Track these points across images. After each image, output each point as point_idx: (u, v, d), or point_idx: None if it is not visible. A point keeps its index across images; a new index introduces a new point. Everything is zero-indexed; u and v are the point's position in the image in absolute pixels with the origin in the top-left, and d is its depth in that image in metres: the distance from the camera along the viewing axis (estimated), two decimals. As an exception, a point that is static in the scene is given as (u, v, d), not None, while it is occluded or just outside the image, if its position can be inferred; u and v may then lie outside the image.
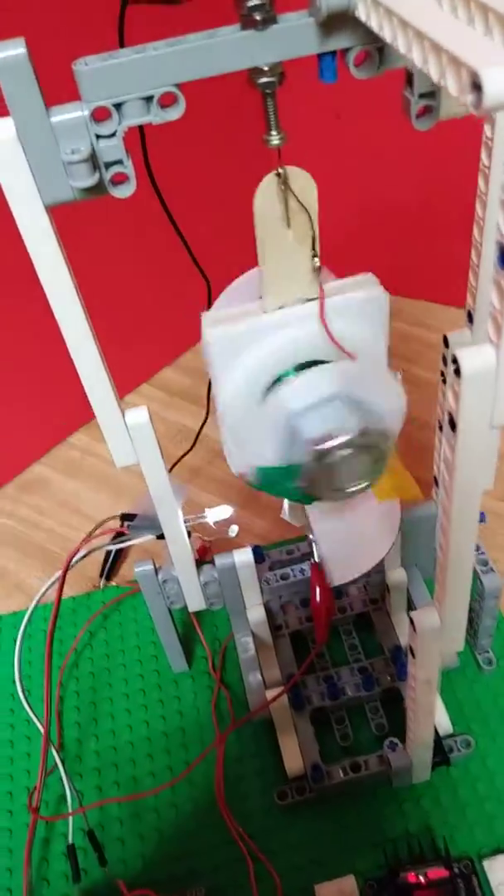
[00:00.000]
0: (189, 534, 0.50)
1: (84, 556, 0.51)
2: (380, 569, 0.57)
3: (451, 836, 0.50)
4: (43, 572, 0.71)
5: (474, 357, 0.28)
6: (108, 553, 0.68)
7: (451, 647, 0.39)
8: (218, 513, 0.49)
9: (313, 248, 0.37)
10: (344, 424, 0.37)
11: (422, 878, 0.46)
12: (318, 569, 0.52)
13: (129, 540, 0.50)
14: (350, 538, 0.47)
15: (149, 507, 0.46)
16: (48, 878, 0.52)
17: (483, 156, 0.39)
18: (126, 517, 0.48)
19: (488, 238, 0.41)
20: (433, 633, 0.38)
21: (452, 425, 0.30)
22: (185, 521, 0.48)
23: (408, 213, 0.89)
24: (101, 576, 0.68)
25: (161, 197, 0.41)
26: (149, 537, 0.50)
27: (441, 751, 0.51)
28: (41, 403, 0.80)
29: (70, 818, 0.51)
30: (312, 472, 0.38)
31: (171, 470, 0.47)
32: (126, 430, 0.41)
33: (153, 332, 0.88)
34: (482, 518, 0.57)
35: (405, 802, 0.52)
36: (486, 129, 0.37)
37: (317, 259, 0.37)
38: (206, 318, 0.39)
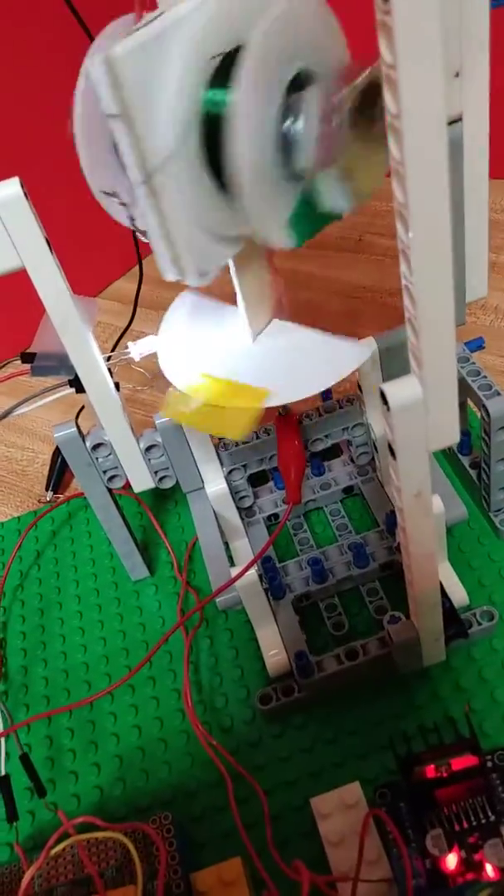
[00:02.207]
0: (117, 386, 0.40)
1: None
2: (360, 421, 0.47)
3: (478, 725, 0.39)
4: (-14, 498, 0.61)
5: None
6: (53, 463, 0.59)
7: (442, 434, 0.29)
8: (144, 345, 0.39)
9: None
10: None
11: (443, 771, 0.35)
12: (283, 418, 0.42)
13: (37, 398, 0.40)
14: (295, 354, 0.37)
15: (51, 339, 0.37)
16: (-14, 827, 0.42)
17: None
18: (26, 357, 0.38)
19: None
20: (414, 408, 0.28)
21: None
22: (104, 359, 0.38)
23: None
24: (46, 488, 0.58)
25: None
26: (63, 389, 0.40)
27: (456, 620, 0.40)
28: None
29: (2, 745, 0.41)
30: None
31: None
32: (-6, 211, 0.32)
33: (104, 242, 0.79)
34: (480, 344, 0.47)
35: (418, 692, 0.41)
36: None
37: None
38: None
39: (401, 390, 0.27)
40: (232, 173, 0.29)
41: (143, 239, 0.31)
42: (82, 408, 0.60)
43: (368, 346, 0.40)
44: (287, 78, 0.29)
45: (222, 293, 0.53)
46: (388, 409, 0.28)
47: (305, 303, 0.70)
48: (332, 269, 0.74)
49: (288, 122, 0.29)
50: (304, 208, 0.32)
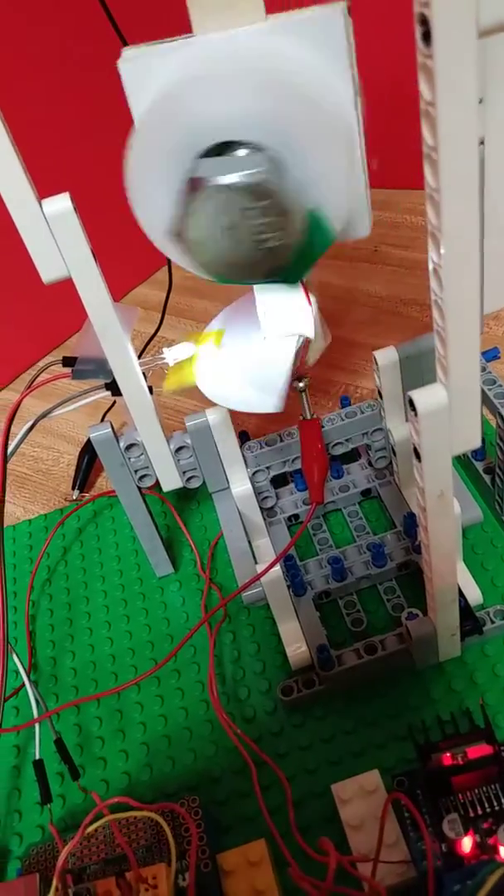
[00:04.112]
0: (151, 390, 0.43)
1: (31, 428, 0.43)
2: (380, 426, 0.49)
3: (492, 717, 0.41)
4: (17, 495, 0.63)
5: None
6: (80, 462, 0.61)
7: (465, 439, 0.31)
8: (179, 351, 0.41)
9: None
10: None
11: (459, 759, 0.37)
12: (307, 422, 0.44)
13: (77, 399, 0.42)
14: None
15: (91, 344, 0.39)
16: (20, 809, 0.44)
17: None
18: (68, 361, 0.40)
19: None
20: (440, 414, 0.30)
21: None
22: (140, 365, 0.40)
23: (387, 101, 0.82)
24: (73, 487, 0.60)
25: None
26: (101, 392, 0.42)
27: (471, 616, 0.42)
28: (3, 330, 0.74)
29: (37, 731, 0.42)
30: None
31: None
32: (46, 225, 0.34)
33: (126, 250, 0.82)
34: (496, 354, 0.49)
35: (434, 686, 0.43)
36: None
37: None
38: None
39: (428, 397, 0.29)
40: None
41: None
42: (108, 409, 0.62)
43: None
44: None
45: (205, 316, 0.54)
46: (416, 414, 0.30)
47: (322, 311, 0.72)
48: (348, 278, 0.76)
49: None
50: None
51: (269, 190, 0.32)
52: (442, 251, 0.26)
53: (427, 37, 0.21)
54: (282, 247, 0.33)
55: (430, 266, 0.27)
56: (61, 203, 0.34)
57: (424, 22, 0.21)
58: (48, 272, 0.36)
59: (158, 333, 0.60)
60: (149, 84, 0.31)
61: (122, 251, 0.82)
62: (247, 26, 0.30)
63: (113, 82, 0.32)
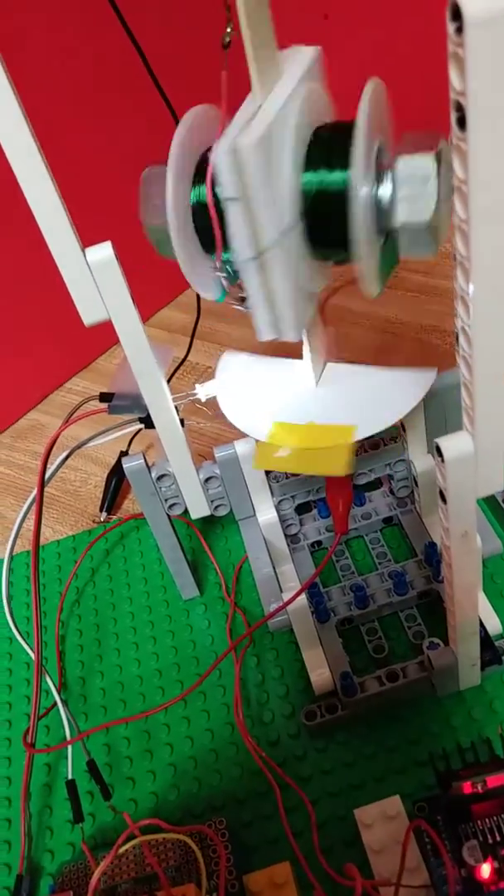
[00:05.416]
0: (182, 423, 0.44)
1: (67, 457, 0.45)
2: (402, 457, 0.50)
3: (510, 746, 0.42)
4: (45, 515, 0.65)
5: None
6: (108, 485, 0.63)
7: (489, 482, 0.32)
8: (210, 387, 0.43)
9: None
10: None
11: (479, 787, 0.38)
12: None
13: (111, 431, 0.44)
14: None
15: (127, 381, 0.41)
16: (52, 826, 0.45)
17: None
18: (105, 397, 0.42)
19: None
20: (466, 461, 0.31)
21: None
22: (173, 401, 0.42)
23: (401, 119, 0.84)
24: (101, 509, 0.62)
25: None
26: (134, 425, 0.44)
27: (491, 646, 0.43)
28: (34, 351, 0.75)
29: (70, 752, 0.44)
30: None
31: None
32: (89, 271, 0.36)
33: (151, 273, 0.83)
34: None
35: (454, 714, 0.44)
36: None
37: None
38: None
39: (455, 445, 0.31)
40: (351, 238, 0.31)
41: (234, 306, 0.35)
42: (134, 435, 0.64)
43: (430, 373, 0.42)
44: (374, 150, 0.32)
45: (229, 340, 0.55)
46: (443, 460, 0.31)
47: (343, 336, 0.73)
48: (368, 303, 0.77)
49: (381, 188, 0.32)
50: (387, 257, 0.35)
51: None
52: (471, 316, 0.27)
53: (462, 122, 0.23)
54: None
55: (459, 324, 0.29)
56: (104, 252, 0.35)
57: (460, 108, 0.23)
58: (89, 315, 0.37)
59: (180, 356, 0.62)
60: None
61: (148, 274, 0.84)
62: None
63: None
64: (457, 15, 0.21)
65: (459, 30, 0.21)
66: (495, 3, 0.21)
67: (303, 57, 0.34)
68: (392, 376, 0.42)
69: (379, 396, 0.41)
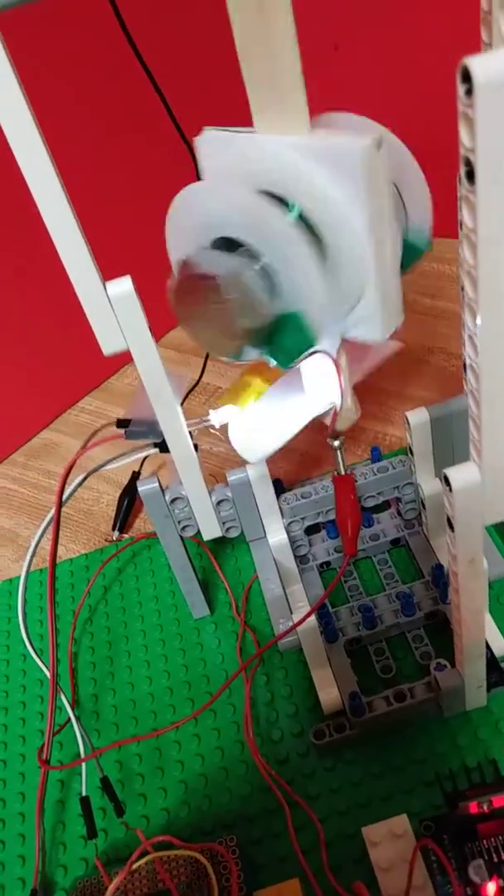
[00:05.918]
0: (196, 448, 0.45)
1: (84, 480, 0.46)
2: (410, 480, 0.51)
3: (515, 767, 0.43)
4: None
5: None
6: (120, 504, 0.64)
7: (496, 511, 0.33)
8: (223, 414, 0.44)
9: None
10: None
11: (485, 807, 0.39)
12: (341, 478, 0.47)
13: (127, 455, 0.45)
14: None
15: (144, 408, 0.42)
16: (65, 842, 0.46)
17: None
18: (121, 423, 0.43)
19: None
20: (473, 491, 0.32)
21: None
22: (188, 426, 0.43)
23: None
24: (113, 528, 0.63)
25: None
26: (149, 449, 0.45)
27: (497, 668, 0.44)
28: (46, 370, 0.77)
29: (83, 769, 0.45)
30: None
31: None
32: (109, 304, 0.37)
33: (159, 293, 0.85)
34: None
35: (460, 734, 0.45)
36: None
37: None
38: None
39: (462, 476, 0.32)
40: None
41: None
42: (146, 456, 0.65)
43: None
44: None
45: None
46: (451, 490, 0.32)
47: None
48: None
49: None
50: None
51: (244, 288, 0.33)
52: (479, 353, 0.28)
53: (471, 176, 0.24)
54: (251, 331, 0.35)
55: (467, 361, 0.30)
56: (124, 286, 0.37)
57: (469, 164, 0.24)
58: (108, 346, 0.39)
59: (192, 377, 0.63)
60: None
61: (157, 294, 0.86)
62: (291, 134, 0.33)
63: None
64: (467, 77, 0.22)
65: (469, 91, 0.23)
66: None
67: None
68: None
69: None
